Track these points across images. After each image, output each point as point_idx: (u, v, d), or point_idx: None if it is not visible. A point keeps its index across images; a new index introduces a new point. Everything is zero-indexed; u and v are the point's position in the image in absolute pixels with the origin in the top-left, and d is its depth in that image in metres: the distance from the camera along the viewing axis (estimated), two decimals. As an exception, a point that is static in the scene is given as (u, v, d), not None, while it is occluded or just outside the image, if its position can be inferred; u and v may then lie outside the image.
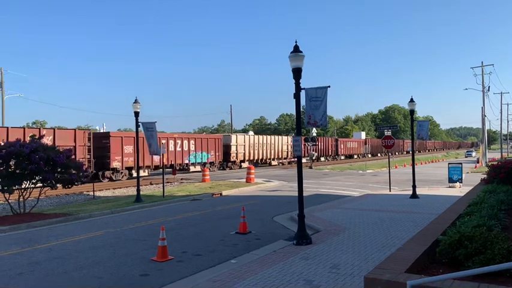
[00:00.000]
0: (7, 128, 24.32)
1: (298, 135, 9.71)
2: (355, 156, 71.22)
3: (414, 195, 17.15)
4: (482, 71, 49.72)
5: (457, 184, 21.56)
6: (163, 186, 20.14)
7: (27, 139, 14.94)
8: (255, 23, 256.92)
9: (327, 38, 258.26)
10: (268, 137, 49.61)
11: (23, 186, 13.78)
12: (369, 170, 39.38)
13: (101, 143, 29.97)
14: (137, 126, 18.67)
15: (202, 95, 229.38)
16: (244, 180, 26.76)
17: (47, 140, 23.23)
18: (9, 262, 8.51)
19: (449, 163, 24.29)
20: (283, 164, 50.34)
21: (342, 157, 66.33)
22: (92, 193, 21.17)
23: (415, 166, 18.77)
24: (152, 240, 10.03)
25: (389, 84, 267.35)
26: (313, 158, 48.38)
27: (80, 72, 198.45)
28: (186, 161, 37.02)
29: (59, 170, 14.02)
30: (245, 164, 42.28)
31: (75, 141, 27.21)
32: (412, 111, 18.85)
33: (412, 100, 18.14)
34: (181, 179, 30.73)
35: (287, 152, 50.80)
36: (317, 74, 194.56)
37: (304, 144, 41.30)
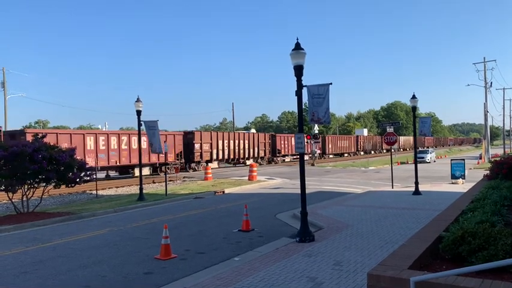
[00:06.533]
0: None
1: (301, 133, 9.71)
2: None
3: (417, 192, 17.13)
4: (485, 67, 49.63)
5: (460, 180, 21.52)
6: (165, 185, 20.20)
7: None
8: (256, 20, 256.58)
9: (328, 36, 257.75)
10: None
11: (26, 186, 13.82)
12: (371, 166, 39.35)
13: (273, 140, 48.56)
14: (139, 125, 18.71)
15: (203, 93, 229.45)
16: (247, 178, 26.78)
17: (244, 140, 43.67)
18: (14, 261, 8.56)
19: (451, 159, 24.23)
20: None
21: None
22: (94, 192, 21.22)
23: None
24: (155, 238, 10.05)
25: (391, 81, 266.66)
26: (315, 155, 48.29)
27: (80, 71, 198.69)
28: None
29: (62, 169, 14.07)
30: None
31: (260, 139, 46.60)
32: (414, 108, 18.80)
33: (414, 97, 18.10)
34: (184, 177, 30.79)
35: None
36: (318, 71, 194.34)
37: (307, 142, 41.43)
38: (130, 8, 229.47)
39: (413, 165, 18.26)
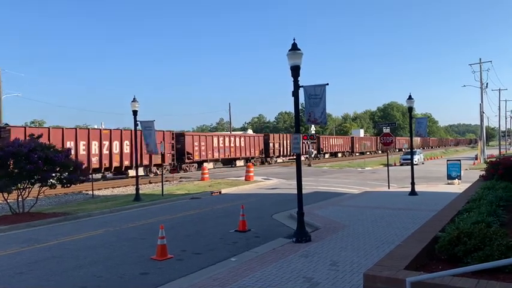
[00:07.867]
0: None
1: (298, 133, 9.72)
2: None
3: (413, 192, 17.18)
4: (481, 68, 49.77)
5: (456, 181, 21.59)
6: (162, 185, 20.14)
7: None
8: (253, 20, 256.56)
9: (325, 36, 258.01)
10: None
11: (21, 186, 13.74)
12: (368, 167, 39.42)
13: (318, 140, 55.45)
14: (135, 125, 18.65)
15: (200, 94, 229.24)
16: (244, 178, 26.77)
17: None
18: (9, 262, 8.51)
19: (447, 160, 24.29)
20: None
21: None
22: (90, 192, 21.14)
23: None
24: (151, 238, 10.02)
25: (387, 81, 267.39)
26: (312, 155, 48.81)
27: (76, 70, 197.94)
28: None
29: (57, 169, 14.01)
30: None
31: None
32: (410, 109, 18.85)
33: (410, 97, 18.13)
34: (181, 177, 30.75)
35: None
36: (314, 71, 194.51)
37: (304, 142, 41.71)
38: (128, 8, 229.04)
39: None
